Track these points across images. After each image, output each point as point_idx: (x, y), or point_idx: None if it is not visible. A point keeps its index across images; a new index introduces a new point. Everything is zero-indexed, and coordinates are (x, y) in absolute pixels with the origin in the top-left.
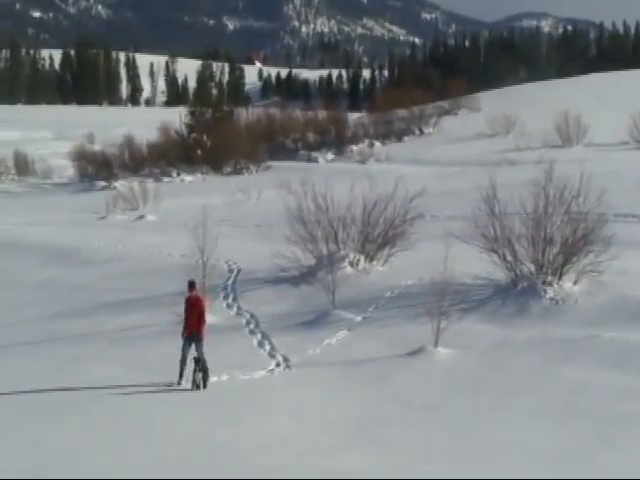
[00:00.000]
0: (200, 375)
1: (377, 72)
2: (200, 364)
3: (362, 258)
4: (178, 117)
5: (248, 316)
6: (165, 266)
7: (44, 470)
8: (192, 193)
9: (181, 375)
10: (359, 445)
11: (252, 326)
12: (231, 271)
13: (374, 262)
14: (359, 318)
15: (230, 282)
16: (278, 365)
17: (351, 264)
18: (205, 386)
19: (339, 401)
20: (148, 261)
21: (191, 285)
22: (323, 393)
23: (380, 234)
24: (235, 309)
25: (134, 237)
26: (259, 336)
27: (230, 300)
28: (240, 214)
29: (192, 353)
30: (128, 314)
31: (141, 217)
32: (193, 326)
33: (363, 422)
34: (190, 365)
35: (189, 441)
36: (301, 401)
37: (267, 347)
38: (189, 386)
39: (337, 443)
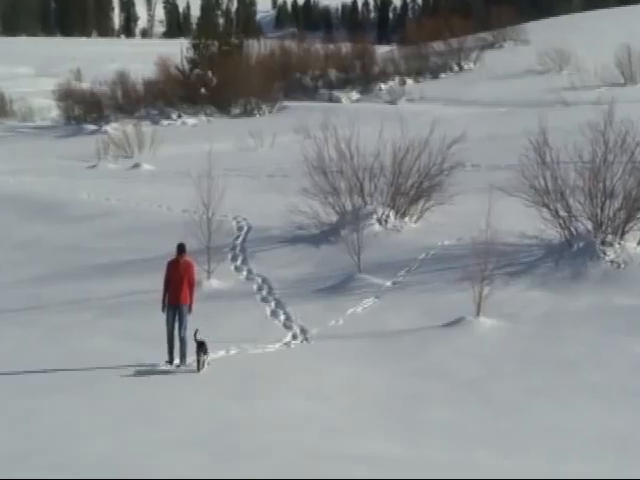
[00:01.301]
0: (206, 357)
1: None
2: (203, 347)
3: (392, 214)
4: (179, 51)
5: (260, 281)
6: (164, 223)
7: (28, 455)
8: (195, 138)
9: (171, 353)
10: (386, 428)
11: (264, 292)
12: (240, 229)
13: (406, 218)
14: (388, 283)
15: (239, 241)
16: (295, 337)
17: (379, 221)
18: (184, 362)
19: (365, 378)
20: (145, 217)
21: (181, 248)
22: (346, 369)
23: (413, 186)
24: (245, 273)
25: (129, 189)
26: (273, 304)
27: (239, 262)
28: (251, 162)
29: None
30: (122, 278)
31: (136, 166)
32: (182, 296)
33: (392, 402)
34: (191, 346)
35: (194, 422)
36: (321, 378)
37: (282, 317)
38: (183, 365)
39: (361, 425)
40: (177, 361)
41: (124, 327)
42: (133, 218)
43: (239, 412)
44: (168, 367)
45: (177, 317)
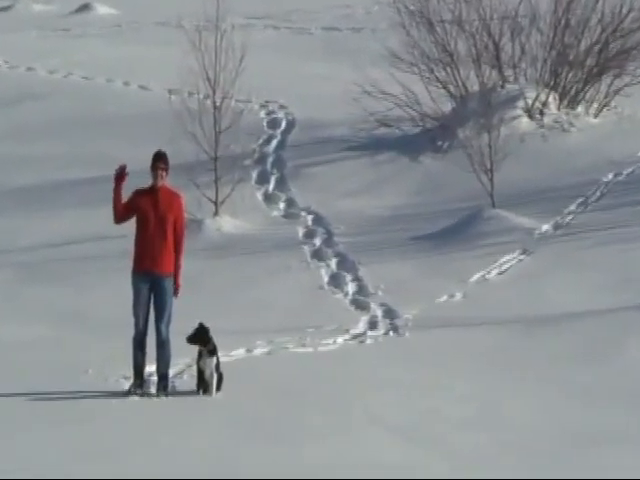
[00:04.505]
0: (215, 375)
1: None
2: (211, 342)
3: (553, 99)
4: None
5: (309, 220)
6: (137, 113)
7: None
8: None
9: (140, 369)
10: None
11: (318, 241)
12: (274, 124)
13: (579, 108)
14: (547, 227)
15: (272, 148)
16: (373, 326)
17: (529, 112)
18: (162, 387)
19: (502, 401)
20: (102, 102)
21: (159, 158)
22: (468, 385)
23: (591, 49)
24: (282, 205)
25: (71, 51)
26: (333, 263)
27: (272, 186)
28: (292, 4)
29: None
30: (63, 212)
31: (85, 8)
32: (162, 259)
33: (549, 444)
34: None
35: (200, 466)
36: (424, 402)
37: (349, 286)
38: (162, 393)
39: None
40: (151, 389)
41: (64, 300)
42: (80, 104)
43: (277, 456)
44: (133, 391)
45: (154, 297)
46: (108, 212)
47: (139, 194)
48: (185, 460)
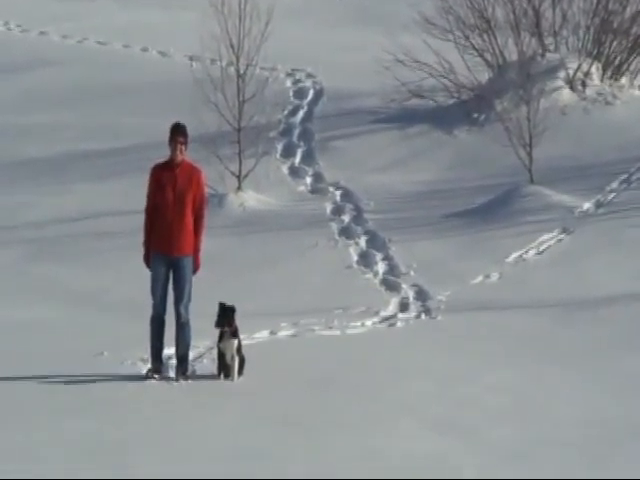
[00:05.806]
0: (237, 358)
1: None
2: (233, 323)
3: (596, 69)
4: None
5: (338, 195)
6: (154, 80)
7: None
8: None
9: (158, 354)
10: None
11: (347, 218)
12: (301, 94)
13: (622, 80)
14: (587, 205)
15: (298, 119)
16: (404, 308)
17: (570, 83)
18: (182, 371)
19: (532, 389)
20: (118, 69)
21: (179, 131)
22: (499, 371)
23: (635, 17)
24: (309, 180)
25: (87, 13)
26: (362, 241)
27: (298, 159)
28: None
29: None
30: (73, 186)
31: None
32: (182, 240)
33: (588, 434)
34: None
35: (219, 458)
36: (450, 387)
37: (379, 266)
38: (182, 377)
39: (517, 473)
40: (170, 373)
41: (81, 281)
42: (95, 71)
43: (302, 451)
44: (150, 377)
45: (173, 277)
46: (123, 186)
47: (158, 170)
48: (203, 453)
